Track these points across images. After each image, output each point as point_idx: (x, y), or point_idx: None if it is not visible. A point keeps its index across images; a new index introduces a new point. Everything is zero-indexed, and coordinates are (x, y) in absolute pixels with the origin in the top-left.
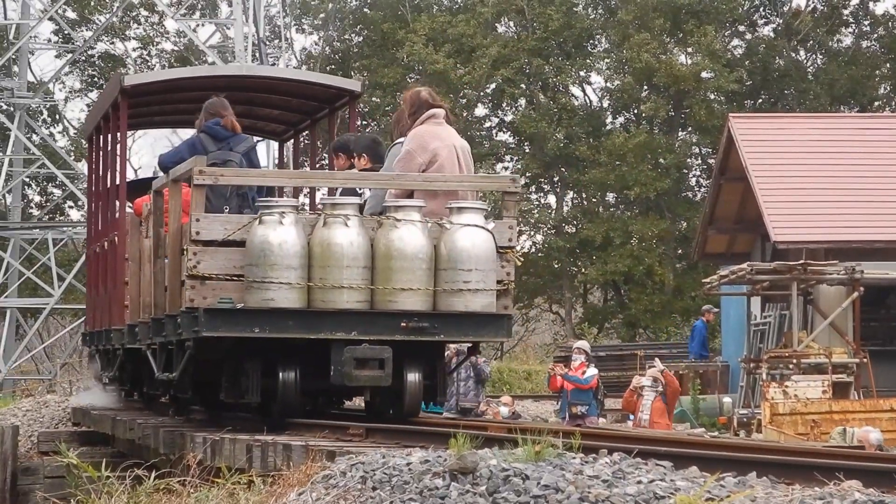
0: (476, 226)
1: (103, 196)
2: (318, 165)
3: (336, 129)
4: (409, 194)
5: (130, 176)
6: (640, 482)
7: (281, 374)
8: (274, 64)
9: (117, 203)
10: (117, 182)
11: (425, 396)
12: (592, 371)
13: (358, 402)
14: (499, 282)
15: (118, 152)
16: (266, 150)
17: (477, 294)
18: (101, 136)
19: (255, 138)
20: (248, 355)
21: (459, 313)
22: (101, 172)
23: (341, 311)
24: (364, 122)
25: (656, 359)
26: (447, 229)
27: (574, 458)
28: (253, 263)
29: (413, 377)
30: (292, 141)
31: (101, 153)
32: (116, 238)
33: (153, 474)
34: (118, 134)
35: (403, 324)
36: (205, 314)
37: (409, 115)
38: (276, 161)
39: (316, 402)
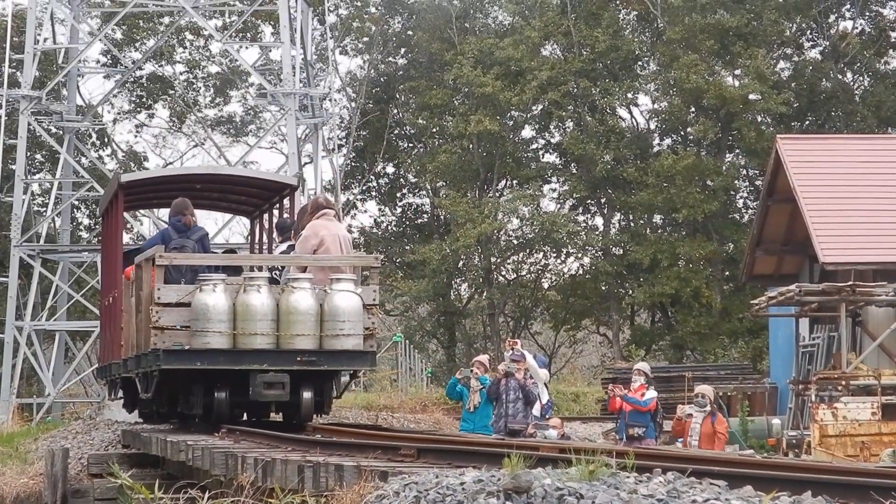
0: (349, 291)
1: (110, 261)
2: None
3: (284, 211)
4: (305, 269)
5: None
6: (694, 501)
7: (216, 393)
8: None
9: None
10: (118, 252)
11: (315, 409)
12: (652, 393)
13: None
14: (366, 328)
15: (118, 231)
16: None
17: (349, 337)
18: (108, 217)
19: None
20: (194, 381)
21: (338, 350)
22: (108, 243)
23: (256, 349)
24: (410, 145)
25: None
26: (328, 293)
27: (628, 477)
28: (196, 318)
29: (307, 395)
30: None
31: (108, 229)
32: (117, 294)
33: (206, 495)
34: (118, 217)
35: (299, 358)
36: (163, 353)
37: (310, 213)
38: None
39: (245, 414)
